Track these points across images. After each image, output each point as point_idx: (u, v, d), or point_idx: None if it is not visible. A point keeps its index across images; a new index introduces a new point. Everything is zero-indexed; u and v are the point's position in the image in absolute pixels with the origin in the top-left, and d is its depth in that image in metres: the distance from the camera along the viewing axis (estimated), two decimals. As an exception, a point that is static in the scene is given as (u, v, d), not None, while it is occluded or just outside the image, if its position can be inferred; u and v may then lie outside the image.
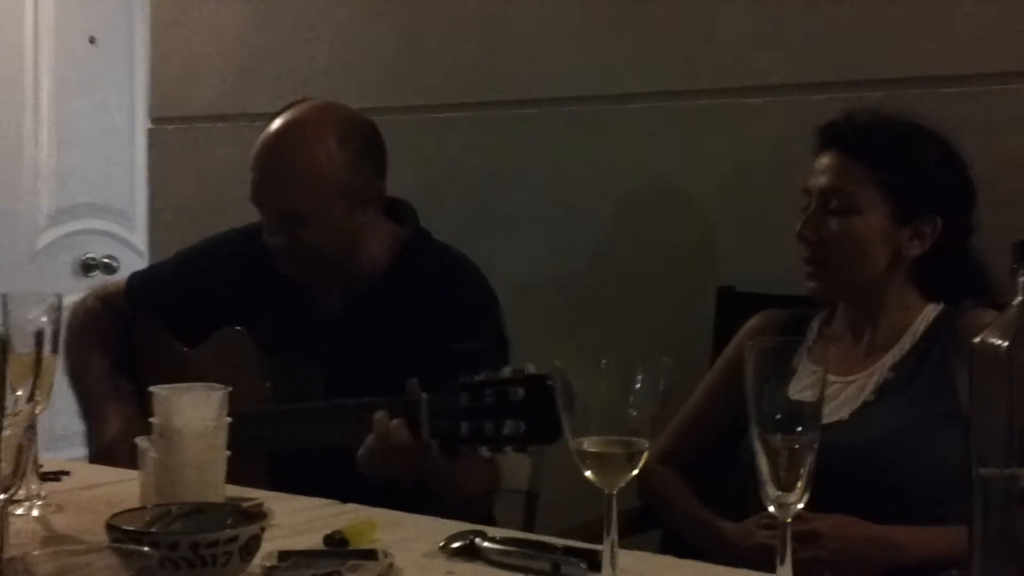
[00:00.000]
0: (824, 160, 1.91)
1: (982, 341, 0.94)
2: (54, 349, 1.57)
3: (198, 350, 2.13)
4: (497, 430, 1.67)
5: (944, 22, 2.18)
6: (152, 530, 1.24)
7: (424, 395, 1.75)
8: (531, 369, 1.68)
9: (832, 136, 1.92)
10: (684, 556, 1.45)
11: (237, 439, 1.48)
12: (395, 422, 1.74)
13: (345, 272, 2.07)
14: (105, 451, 1.99)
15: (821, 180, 1.89)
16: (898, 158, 1.88)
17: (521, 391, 1.66)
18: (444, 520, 1.51)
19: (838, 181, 1.87)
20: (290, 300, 2.10)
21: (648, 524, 2.03)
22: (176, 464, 1.39)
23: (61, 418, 3.45)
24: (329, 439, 1.84)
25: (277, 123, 2.05)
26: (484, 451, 1.70)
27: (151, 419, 1.43)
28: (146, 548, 0.96)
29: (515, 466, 2.18)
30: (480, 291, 2.09)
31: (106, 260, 4.22)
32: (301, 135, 2.03)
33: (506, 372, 1.69)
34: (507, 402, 1.67)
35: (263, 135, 2.05)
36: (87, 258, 4.22)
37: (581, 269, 2.57)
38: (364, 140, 2.06)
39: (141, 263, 3.58)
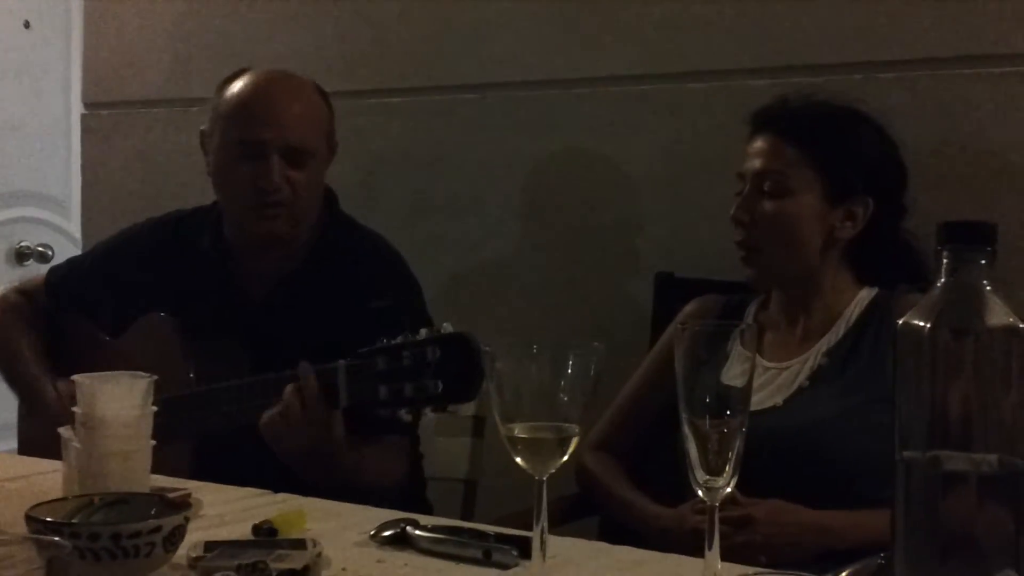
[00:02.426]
0: (757, 144, 1.92)
1: (905, 323, 0.94)
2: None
3: (122, 339, 2.11)
4: (416, 392, 1.66)
5: (880, 9, 2.19)
6: (73, 521, 1.22)
7: (342, 362, 1.73)
8: (447, 329, 1.67)
9: (765, 120, 1.93)
10: (621, 542, 1.44)
11: (162, 426, 1.45)
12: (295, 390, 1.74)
13: (275, 249, 2.06)
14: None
15: (755, 163, 1.90)
16: (829, 138, 1.89)
17: (438, 350, 1.65)
18: (375, 508, 1.50)
19: (770, 163, 1.88)
20: (214, 283, 2.10)
21: (586, 511, 2.03)
22: (99, 454, 1.37)
23: (-7, 410, 3.36)
24: (250, 415, 1.81)
25: (258, 73, 2.08)
26: (403, 414, 1.69)
27: (74, 408, 1.40)
28: (59, 539, 0.93)
29: (453, 454, 2.18)
30: (402, 272, 2.11)
31: (40, 248, 4.15)
32: (292, 79, 2.09)
33: (423, 334, 1.68)
34: (425, 363, 1.66)
35: (247, 82, 2.05)
36: (21, 246, 4.14)
37: (520, 255, 2.56)
38: (327, 96, 2.13)
39: (76, 252, 3.53)
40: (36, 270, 3.62)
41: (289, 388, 1.76)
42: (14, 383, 2.18)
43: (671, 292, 2.24)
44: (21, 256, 4.13)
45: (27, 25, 4.14)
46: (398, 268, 2.10)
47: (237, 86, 2.05)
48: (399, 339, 1.69)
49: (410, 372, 1.67)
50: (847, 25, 2.23)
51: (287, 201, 2.00)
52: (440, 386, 1.65)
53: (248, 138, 2.00)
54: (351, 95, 2.74)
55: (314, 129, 2.03)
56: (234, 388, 1.86)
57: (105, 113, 3.14)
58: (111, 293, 2.16)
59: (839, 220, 1.88)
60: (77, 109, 3.48)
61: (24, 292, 2.26)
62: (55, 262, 3.79)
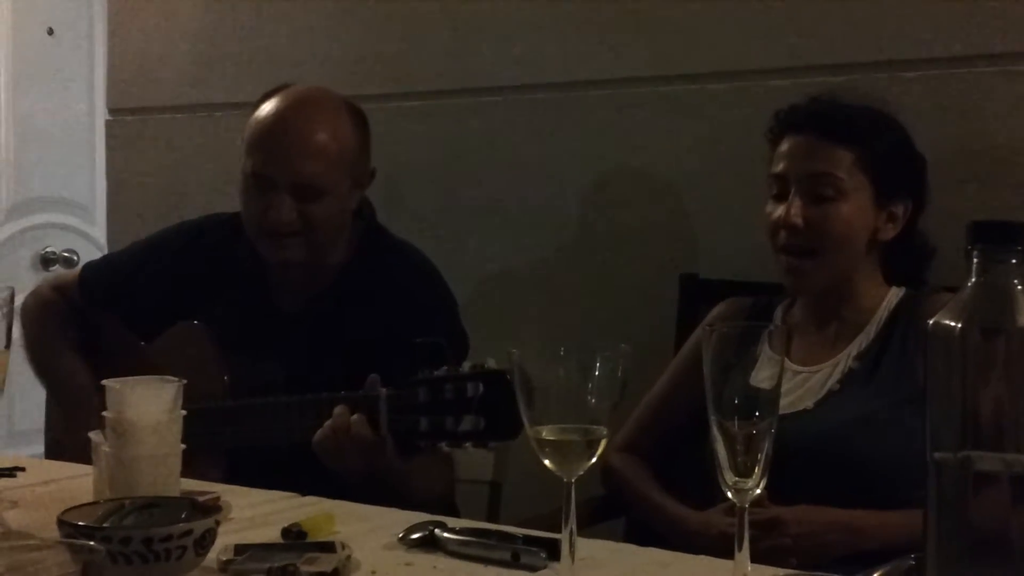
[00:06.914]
0: (799, 145, 1.87)
1: (936, 323, 0.94)
2: (7, 345, 1.54)
3: (154, 345, 2.09)
4: (456, 425, 1.66)
5: (902, 8, 2.18)
6: (105, 525, 1.22)
7: (383, 390, 1.73)
8: (491, 364, 1.67)
9: (802, 120, 1.89)
10: (647, 544, 1.44)
11: (194, 435, 1.46)
12: (355, 417, 1.72)
13: (311, 264, 2.04)
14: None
15: (805, 165, 1.85)
16: (879, 139, 1.86)
17: (480, 386, 1.65)
18: (403, 511, 1.50)
19: (824, 165, 1.83)
20: (247, 294, 2.07)
21: (612, 513, 2.03)
22: (129, 458, 1.37)
23: (22, 415, 3.39)
24: (288, 435, 1.81)
25: (285, 98, 2.00)
26: (443, 447, 1.69)
27: (104, 412, 1.41)
28: (92, 543, 0.94)
29: (478, 456, 2.18)
30: (438, 288, 2.08)
31: (66, 254, 4.18)
32: (319, 108, 2.00)
33: (466, 367, 1.68)
34: (466, 397, 1.66)
35: (271, 109, 1.99)
36: (47, 252, 4.18)
37: (545, 258, 2.56)
38: (366, 123, 2.06)
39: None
40: (61, 275, 3.65)
41: (336, 417, 1.74)
42: (47, 380, 2.16)
43: (696, 293, 2.24)
44: (47, 262, 4.16)
45: (51, 32, 4.17)
46: (432, 285, 2.07)
47: (263, 111, 1.99)
48: (443, 371, 1.68)
49: (452, 406, 1.67)
50: (869, 24, 2.22)
51: (301, 231, 1.97)
52: (482, 423, 1.65)
53: (260, 171, 1.97)
54: (373, 98, 2.74)
55: (332, 164, 1.96)
56: (282, 404, 1.83)
57: (129, 119, 3.15)
58: (144, 294, 2.13)
59: (882, 222, 1.86)
60: (101, 115, 3.51)
61: (58, 288, 2.23)
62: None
